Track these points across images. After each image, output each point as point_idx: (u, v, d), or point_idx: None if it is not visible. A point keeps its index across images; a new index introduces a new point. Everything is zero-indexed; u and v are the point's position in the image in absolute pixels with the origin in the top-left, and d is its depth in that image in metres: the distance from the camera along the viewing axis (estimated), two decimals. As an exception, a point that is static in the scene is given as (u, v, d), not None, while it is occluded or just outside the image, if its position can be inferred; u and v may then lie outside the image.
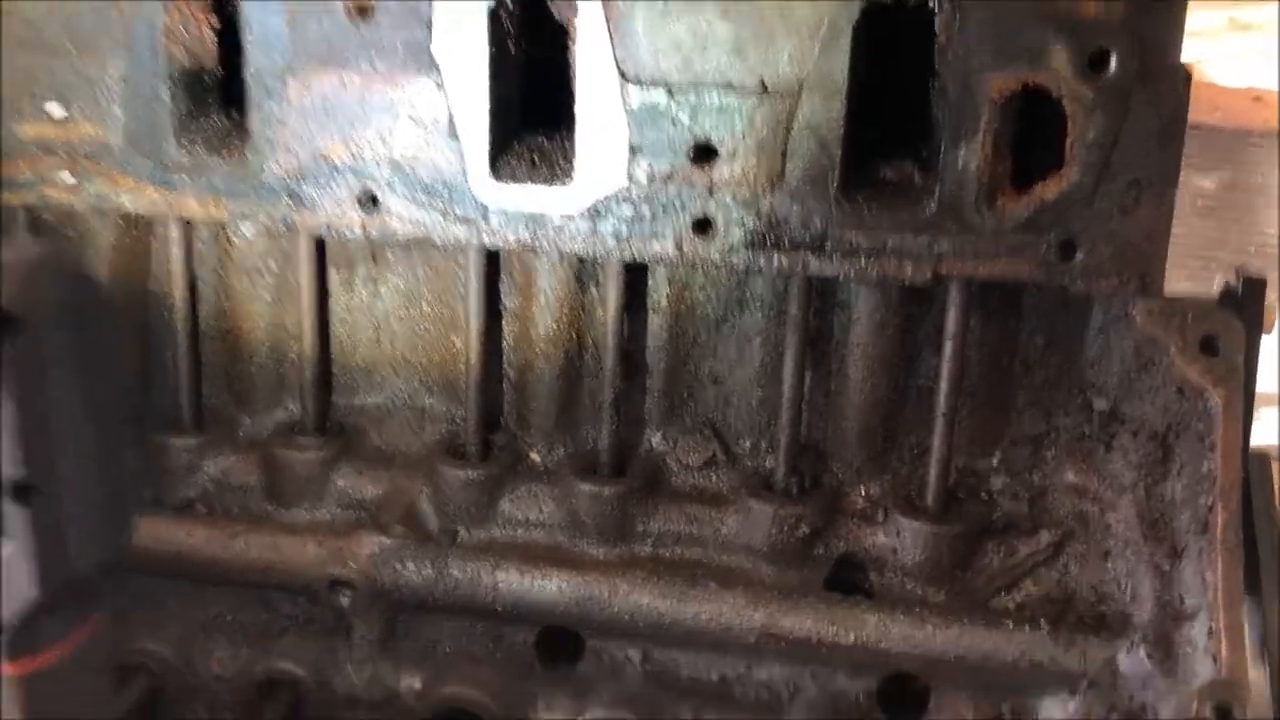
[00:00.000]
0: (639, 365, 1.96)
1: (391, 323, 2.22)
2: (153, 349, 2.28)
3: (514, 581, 1.88)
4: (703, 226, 1.91)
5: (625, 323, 1.88)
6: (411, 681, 1.92)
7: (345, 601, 2.06)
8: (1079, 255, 1.84)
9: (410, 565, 2.05)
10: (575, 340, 1.99)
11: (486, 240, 1.99)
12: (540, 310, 2.13)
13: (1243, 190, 5.82)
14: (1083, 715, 1.74)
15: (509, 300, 2.14)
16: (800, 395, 1.85)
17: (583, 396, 1.99)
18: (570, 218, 1.94)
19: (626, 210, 1.92)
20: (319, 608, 2.11)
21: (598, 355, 1.95)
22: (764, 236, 1.90)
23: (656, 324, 1.94)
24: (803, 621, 1.82)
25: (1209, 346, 1.63)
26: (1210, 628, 1.53)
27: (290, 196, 2.02)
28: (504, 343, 2.15)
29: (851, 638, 1.80)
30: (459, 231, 1.98)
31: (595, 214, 1.93)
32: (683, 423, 1.97)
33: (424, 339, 2.21)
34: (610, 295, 1.87)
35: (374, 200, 2.01)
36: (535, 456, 2.02)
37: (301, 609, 2.14)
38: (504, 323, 2.13)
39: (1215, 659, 1.51)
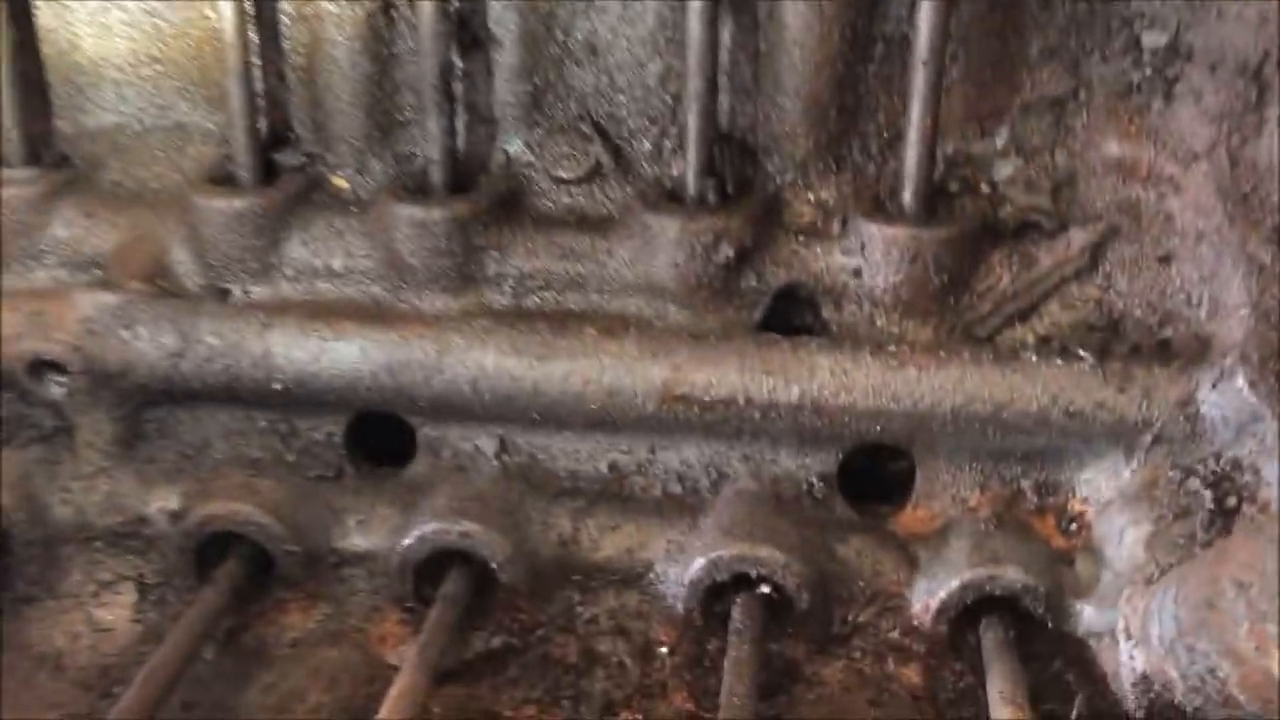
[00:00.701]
0: (480, 34, 1.51)
1: (123, -1, 1.60)
2: None
3: (294, 346, 1.44)
4: None
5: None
6: (164, 501, 1.47)
7: (59, 392, 1.47)
8: None
9: (143, 332, 1.46)
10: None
11: None
12: (322, -48, 1.52)
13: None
14: (1146, 484, 1.33)
15: (277, -60, 1.53)
16: (714, 61, 1.41)
17: (402, 89, 1.55)
18: None
19: None
20: (33, 407, 1.53)
21: (415, 19, 1.47)
22: None
23: (500, -33, 1.47)
24: (724, 374, 1.39)
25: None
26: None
27: None
28: (279, 11, 1.54)
29: (796, 394, 1.38)
30: None
31: None
32: (550, 118, 1.54)
33: (171, 21, 1.58)
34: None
35: None
36: (340, 180, 1.59)
37: (9, 410, 1.54)
38: (275, -20, 1.55)
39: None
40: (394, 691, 1.22)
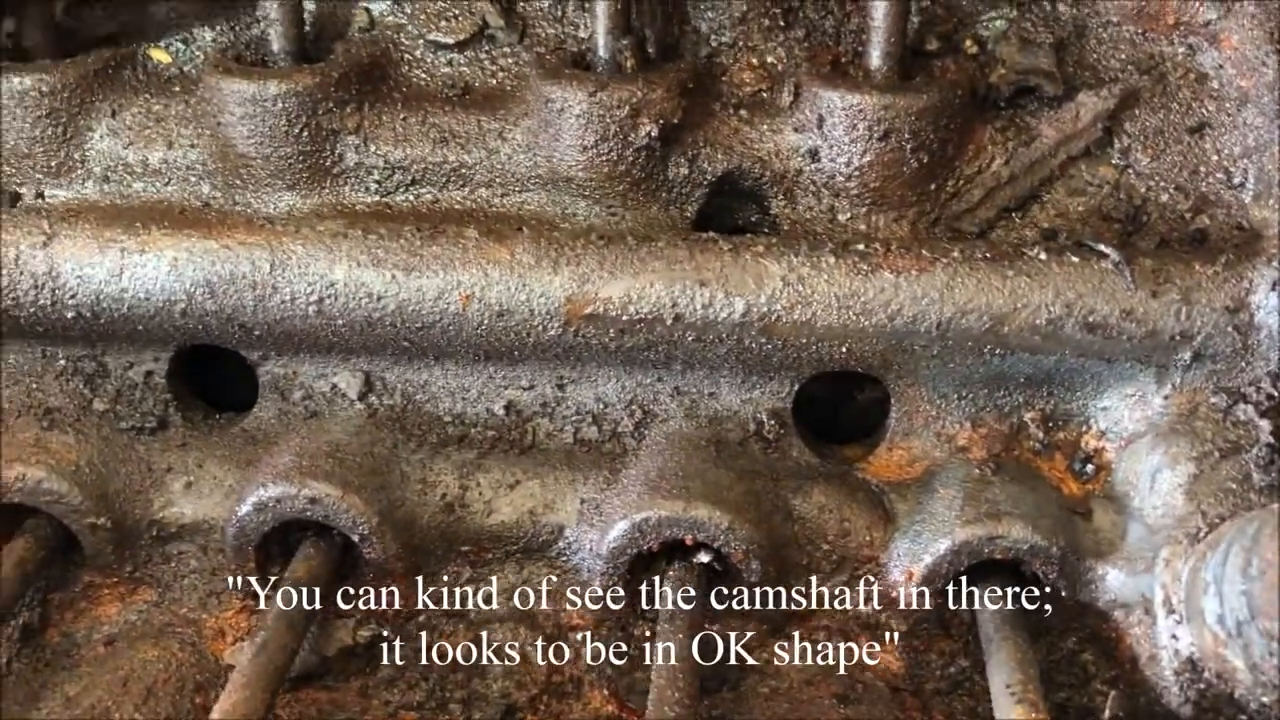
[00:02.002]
0: None
1: None
2: None
3: (86, 261, 1.18)
4: None
5: None
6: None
7: None
8: None
9: (-110, 248, 1.16)
10: None
11: None
12: None
13: None
14: (1183, 414, 1.11)
15: None
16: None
17: (234, -69, 1.34)
18: None
19: None
20: None
21: None
22: None
23: None
24: (646, 286, 1.15)
25: None
26: None
27: None
28: None
29: (741, 309, 1.15)
30: None
31: None
32: None
33: None
34: None
35: None
36: (160, 53, 1.33)
37: None
38: None
39: None
40: (220, 708, 0.94)
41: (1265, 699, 0.89)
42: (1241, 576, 0.87)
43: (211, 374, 1.30)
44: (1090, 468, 1.14)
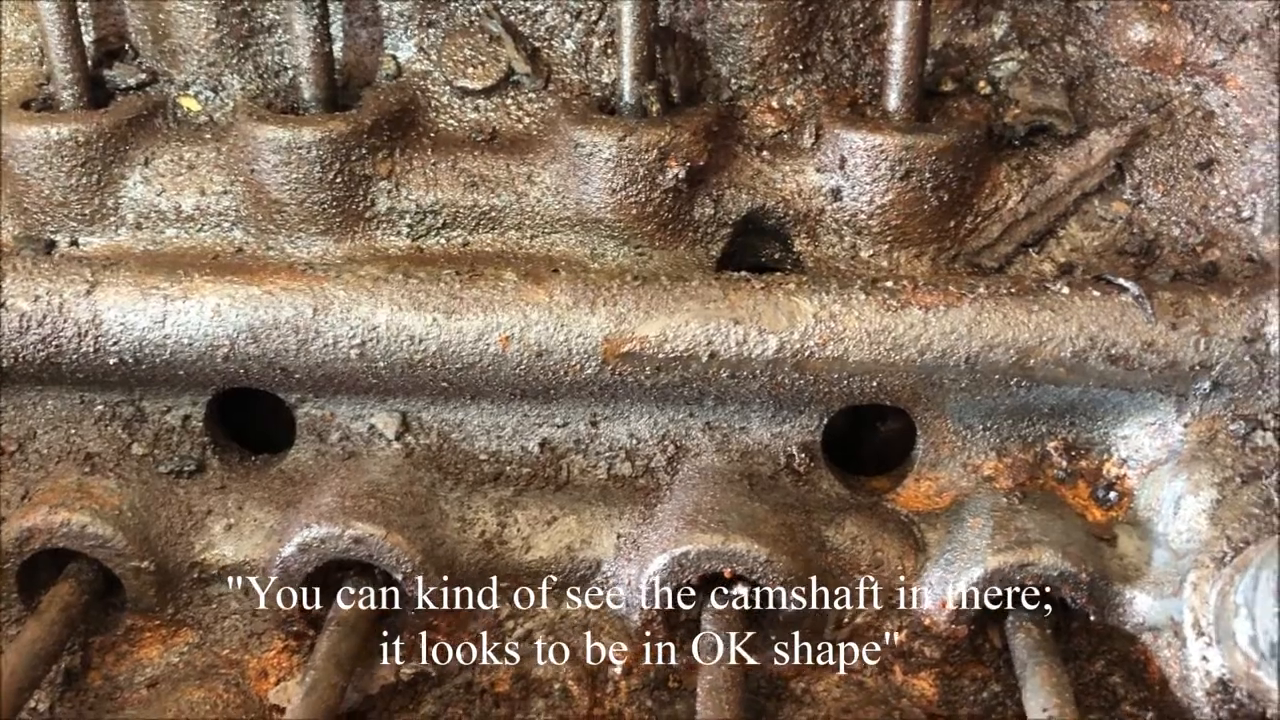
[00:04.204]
0: (355, -90, 1.31)
1: None
2: None
3: (129, 309, 1.18)
4: None
5: None
6: (-29, 511, 1.25)
7: None
8: None
9: (-70, 298, 1.14)
10: None
11: None
12: None
13: None
14: (1203, 441, 1.12)
15: None
16: (650, -65, 1.20)
17: (261, -17, 1.35)
18: None
19: None
20: None
21: (271, -114, 1.27)
22: None
23: None
24: (682, 325, 1.16)
25: None
26: None
27: None
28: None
29: (772, 346, 1.16)
30: None
31: None
32: (449, 15, 1.33)
33: (-38, -97, 1.33)
34: None
35: None
36: (190, 101, 1.35)
37: None
38: None
39: None
40: (275, 749, 0.95)
41: (1298, 717, 0.92)
42: (1275, 600, 0.89)
43: (236, 414, 1.31)
44: (1113, 495, 1.15)
